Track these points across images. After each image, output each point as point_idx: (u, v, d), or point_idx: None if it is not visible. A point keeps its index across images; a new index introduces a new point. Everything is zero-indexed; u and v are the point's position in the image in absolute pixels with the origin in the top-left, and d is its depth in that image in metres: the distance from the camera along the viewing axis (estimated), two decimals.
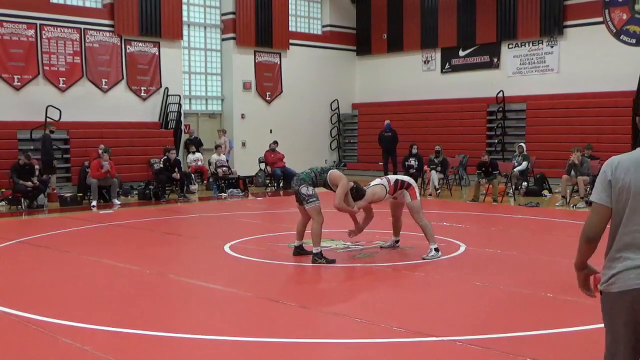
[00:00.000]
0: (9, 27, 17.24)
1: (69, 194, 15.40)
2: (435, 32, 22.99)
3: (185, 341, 5.24)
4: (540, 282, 7.10)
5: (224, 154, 18.66)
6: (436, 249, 8.46)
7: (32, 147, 16.31)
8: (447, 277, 7.49)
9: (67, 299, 6.67)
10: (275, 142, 19.70)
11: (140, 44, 19.62)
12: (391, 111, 22.87)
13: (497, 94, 20.82)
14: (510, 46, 21.37)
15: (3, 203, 14.78)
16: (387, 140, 20.16)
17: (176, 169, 16.63)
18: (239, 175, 18.35)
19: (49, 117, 16.87)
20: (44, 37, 17.82)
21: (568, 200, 14.34)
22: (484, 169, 15.53)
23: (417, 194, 8.65)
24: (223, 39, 22.21)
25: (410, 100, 23.38)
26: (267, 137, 21.22)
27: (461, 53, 22.53)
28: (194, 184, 18.26)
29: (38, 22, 17.71)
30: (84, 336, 5.33)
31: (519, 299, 6.52)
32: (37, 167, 15.01)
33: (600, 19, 19.31)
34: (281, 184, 19.01)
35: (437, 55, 23.17)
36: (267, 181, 19.59)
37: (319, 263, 8.10)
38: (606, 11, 19.20)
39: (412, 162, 16.95)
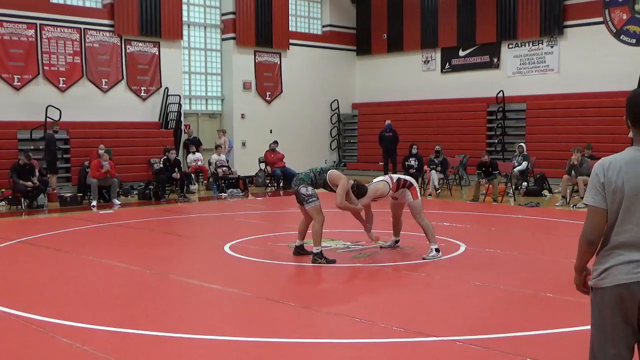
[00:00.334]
0: (9, 27, 17.24)
1: (69, 194, 15.40)
2: (435, 32, 23.00)
3: (185, 341, 5.24)
4: (540, 282, 7.10)
5: (224, 154, 18.66)
6: (437, 249, 8.46)
7: (32, 147, 16.33)
8: (447, 277, 7.48)
9: (67, 299, 6.67)
10: (275, 142, 19.69)
11: (140, 44, 19.62)
12: (391, 111, 22.86)
13: (497, 94, 20.82)
14: (510, 46, 21.37)
15: (3, 203, 14.77)
16: (387, 140, 20.14)
17: (176, 169, 16.64)
18: (239, 175, 18.35)
19: (49, 117, 16.86)
20: (44, 37, 17.82)
21: (568, 200, 14.34)
22: (484, 169, 15.53)
23: (418, 194, 8.69)
24: (223, 39, 22.21)
25: (410, 100, 23.38)
26: (267, 137, 21.22)
27: (461, 53, 22.53)
28: (194, 184, 18.27)
29: (38, 22, 17.70)
30: (84, 336, 5.33)
31: (519, 299, 6.52)
32: (42, 166, 14.99)
33: (601, 19, 19.32)
34: (281, 184, 19.00)
35: (437, 55, 23.17)
36: (267, 181, 19.58)
37: (319, 263, 8.10)
38: (606, 11, 19.20)
39: (412, 162, 16.93)
